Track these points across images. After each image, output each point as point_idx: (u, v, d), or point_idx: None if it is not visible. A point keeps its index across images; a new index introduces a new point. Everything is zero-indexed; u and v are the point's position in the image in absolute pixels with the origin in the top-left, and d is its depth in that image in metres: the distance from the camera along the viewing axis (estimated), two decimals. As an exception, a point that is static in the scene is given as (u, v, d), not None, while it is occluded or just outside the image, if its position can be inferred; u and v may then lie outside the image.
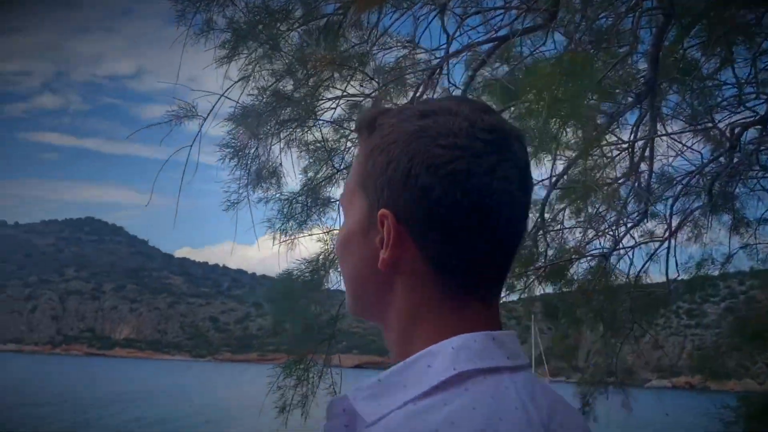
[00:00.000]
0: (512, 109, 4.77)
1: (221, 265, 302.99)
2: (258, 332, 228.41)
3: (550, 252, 5.30)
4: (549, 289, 5.85)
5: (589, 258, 5.69)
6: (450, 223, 0.66)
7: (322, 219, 4.71)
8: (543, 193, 5.11)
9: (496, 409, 0.62)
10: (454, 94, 4.44)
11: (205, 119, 3.71)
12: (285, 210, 4.33)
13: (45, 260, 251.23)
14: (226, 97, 3.76)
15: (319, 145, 4.42)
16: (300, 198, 4.60)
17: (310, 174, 4.87)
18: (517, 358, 0.68)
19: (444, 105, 0.70)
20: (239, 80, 3.88)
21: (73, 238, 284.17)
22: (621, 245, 5.40)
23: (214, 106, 3.72)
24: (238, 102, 3.92)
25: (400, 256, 0.69)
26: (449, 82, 5.15)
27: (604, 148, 5.40)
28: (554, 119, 3.46)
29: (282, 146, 4.39)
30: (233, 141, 3.97)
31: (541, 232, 5.10)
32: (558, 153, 4.77)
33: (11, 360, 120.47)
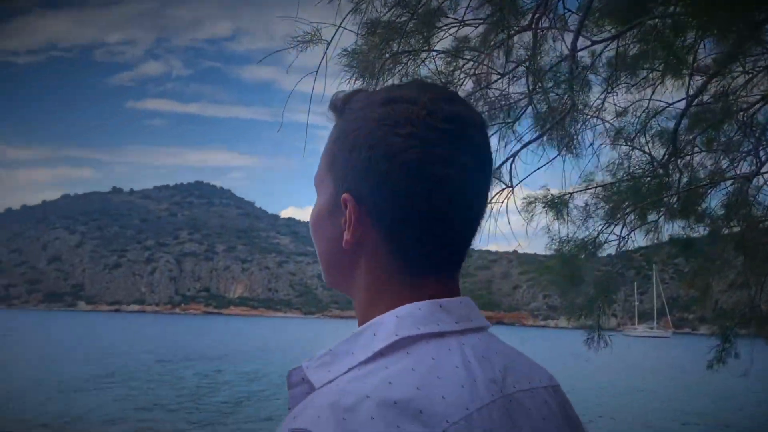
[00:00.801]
0: (635, 31, 4.56)
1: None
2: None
3: (683, 180, 5.08)
4: (677, 229, 5.65)
5: (724, 187, 5.42)
6: (405, 208, 0.72)
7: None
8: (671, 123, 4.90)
9: (434, 369, 0.66)
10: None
11: (328, 44, 3.76)
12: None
13: (160, 224, 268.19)
14: (344, 28, 3.81)
15: (434, 78, 4.43)
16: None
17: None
18: (467, 321, 0.74)
19: (407, 93, 0.75)
20: (352, 11, 3.91)
21: (185, 203, 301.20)
22: (764, 170, 5.08)
23: (333, 36, 3.77)
24: (357, 33, 3.97)
25: (362, 236, 0.75)
26: (564, 7, 4.98)
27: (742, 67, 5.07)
28: (692, 31, 3.29)
29: (396, 81, 4.43)
30: (349, 76, 4.03)
31: (673, 159, 4.90)
32: (692, 72, 4.53)
33: (136, 320, 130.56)
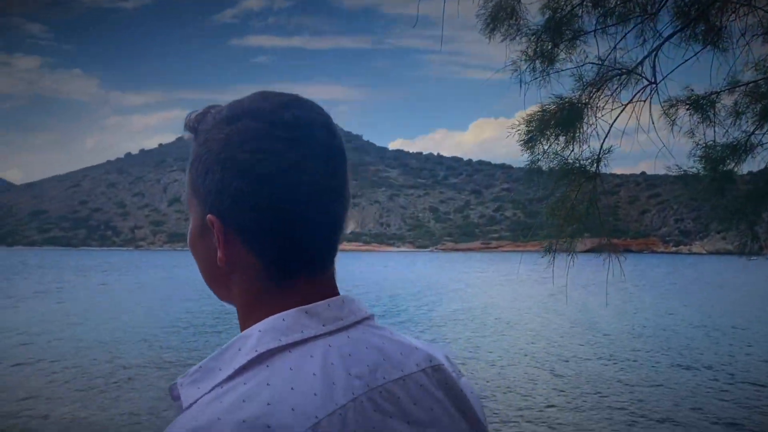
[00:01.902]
0: None
1: (436, 153, 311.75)
2: (479, 220, 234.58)
3: None
4: None
5: None
6: (264, 221, 0.77)
7: (571, 57, 4.59)
8: None
9: (290, 380, 0.71)
10: None
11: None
12: (531, 48, 4.27)
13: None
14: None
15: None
16: (544, 35, 4.50)
17: (551, 9, 4.72)
18: (336, 321, 0.79)
19: (248, 106, 0.80)
20: None
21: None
22: None
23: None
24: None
25: (233, 253, 0.80)
26: None
27: None
28: None
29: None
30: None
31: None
32: None
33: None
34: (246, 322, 0.81)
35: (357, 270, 76.43)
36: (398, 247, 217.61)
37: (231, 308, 0.80)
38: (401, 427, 0.78)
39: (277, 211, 0.77)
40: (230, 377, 0.73)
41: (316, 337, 0.77)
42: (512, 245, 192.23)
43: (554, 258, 4.94)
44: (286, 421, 0.68)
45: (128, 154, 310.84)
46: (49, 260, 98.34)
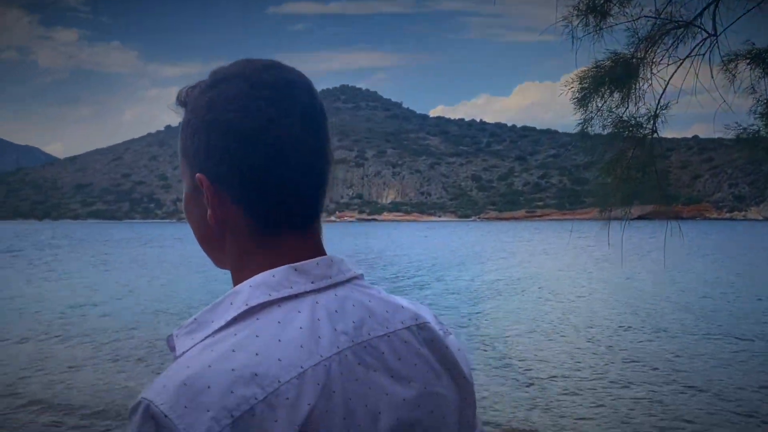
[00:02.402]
0: None
1: (478, 120, 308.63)
2: (524, 188, 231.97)
3: None
4: None
5: None
6: (249, 175, 0.82)
7: (626, 11, 4.38)
8: None
9: (278, 333, 0.77)
10: None
11: None
12: (583, 2, 4.07)
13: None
14: None
15: None
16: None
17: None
18: (325, 279, 0.84)
19: (230, 71, 0.86)
20: None
21: (331, 108, 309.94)
22: None
23: None
24: None
25: (223, 211, 0.84)
26: None
27: None
28: None
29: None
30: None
31: None
32: None
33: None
34: (238, 279, 0.85)
35: (397, 239, 76.53)
36: (439, 216, 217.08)
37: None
38: (384, 380, 0.82)
39: (259, 164, 0.81)
40: (222, 328, 0.78)
41: (304, 294, 0.82)
42: (558, 214, 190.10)
43: (609, 224, 4.78)
44: (272, 370, 0.73)
45: (168, 127, 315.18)
46: (94, 233, 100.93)
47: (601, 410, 9.54)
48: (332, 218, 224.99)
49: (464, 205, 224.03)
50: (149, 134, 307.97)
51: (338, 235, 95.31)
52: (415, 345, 0.87)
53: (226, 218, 0.85)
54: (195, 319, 0.82)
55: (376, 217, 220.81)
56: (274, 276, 0.82)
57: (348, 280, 0.87)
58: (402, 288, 26.01)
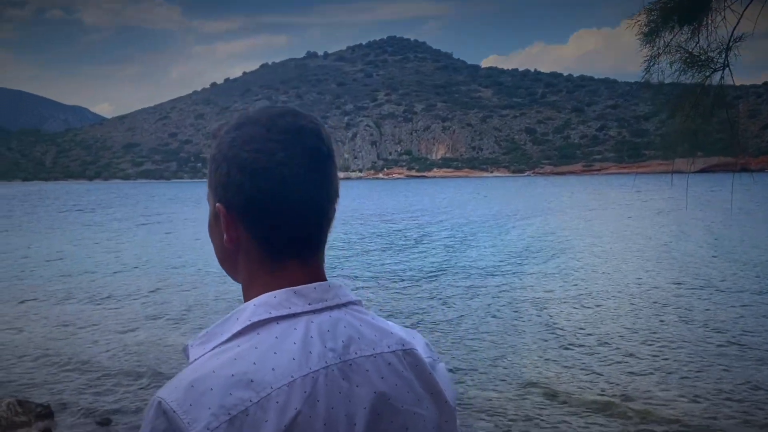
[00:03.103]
0: None
1: (532, 70, 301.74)
2: (581, 141, 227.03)
3: None
4: None
5: None
6: (259, 208, 0.97)
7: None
8: None
9: (274, 346, 0.91)
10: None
11: None
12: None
13: (357, 87, 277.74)
14: None
15: None
16: None
17: None
18: (321, 302, 0.98)
19: (252, 116, 1.02)
20: None
21: (378, 61, 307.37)
22: None
23: None
24: None
25: (236, 236, 1.00)
26: None
27: None
28: None
29: None
30: None
31: None
32: None
33: (350, 188, 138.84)
34: (247, 296, 1.01)
35: (447, 196, 76.15)
36: (492, 172, 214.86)
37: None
38: (367, 395, 0.95)
39: (268, 197, 0.97)
40: (228, 340, 0.93)
41: (301, 314, 0.96)
42: (617, 167, 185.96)
43: (672, 177, 4.53)
44: (266, 378, 0.88)
45: (213, 84, 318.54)
46: (145, 193, 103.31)
47: (658, 372, 9.32)
48: (380, 175, 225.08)
49: (518, 160, 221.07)
50: (195, 92, 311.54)
51: (387, 193, 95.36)
52: (399, 367, 0.99)
53: (239, 242, 1.00)
54: (207, 332, 0.97)
55: (425, 174, 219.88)
56: (275, 297, 0.96)
57: (345, 305, 1.00)
58: (452, 246, 25.89)
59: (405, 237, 30.37)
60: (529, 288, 16.27)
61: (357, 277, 18.41)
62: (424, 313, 13.67)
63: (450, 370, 9.61)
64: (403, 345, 1.02)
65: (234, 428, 0.85)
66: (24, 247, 26.96)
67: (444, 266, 20.48)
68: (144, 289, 16.92)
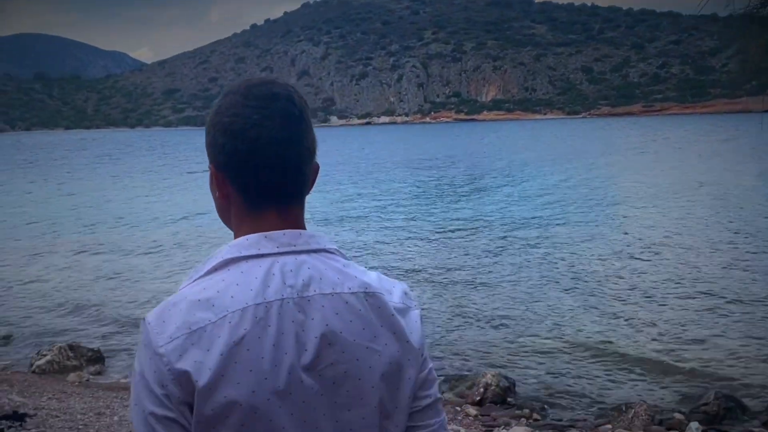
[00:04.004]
0: None
1: (589, 4, 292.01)
2: (641, 80, 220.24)
3: None
4: None
5: None
6: (239, 164, 1.18)
7: None
8: None
9: (237, 278, 1.14)
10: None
11: None
12: None
13: (403, 25, 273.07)
14: None
15: None
16: None
17: None
18: (289, 246, 1.18)
19: (233, 87, 1.24)
20: None
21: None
22: None
23: None
24: None
25: (227, 192, 1.22)
26: None
27: None
28: None
29: None
30: None
31: None
32: None
33: (387, 132, 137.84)
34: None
35: (497, 140, 75.21)
36: (545, 114, 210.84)
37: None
38: (320, 326, 1.13)
39: (244, 154, 1.17)
40: (205, 274, 1.17)
41: (268, 255, 1.16)
42: (679, 107, 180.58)
43: (762, 118, 4.39)
44: (225, 303, 1.11)
45: (254, 26, 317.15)
46: (188, 140, 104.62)
47: (716, 328, 9.25)
48: (427, 119, 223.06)
49: (573, 101, 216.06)
50: (234, 35, 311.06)
51: (433, 136, 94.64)
52: (357, 307, 1.17)
53: (230, 197, 1.22)
54: (196, 270, 1.20)
55: (475, 116, 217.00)
56: (247, 240, 1.18)
57: (315, 251, 1.20)
58: (517, 199, 25.74)
59: (453, 184, 30.28)
60: (582, 239, 16.15)
61: (400, 227, 18.51)
62: (478, 262, 13.72)
63: (503, 318, 9.69)
64: (366, 288, 1.19)
65: (192, 339, 1.08)
66: (92, 194, 27.82)
67: (494, 216, 20.46)
68: (192, 240, 17.36)
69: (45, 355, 8.34)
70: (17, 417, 6.05)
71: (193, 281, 1.17)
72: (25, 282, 12.94)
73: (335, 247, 1.23)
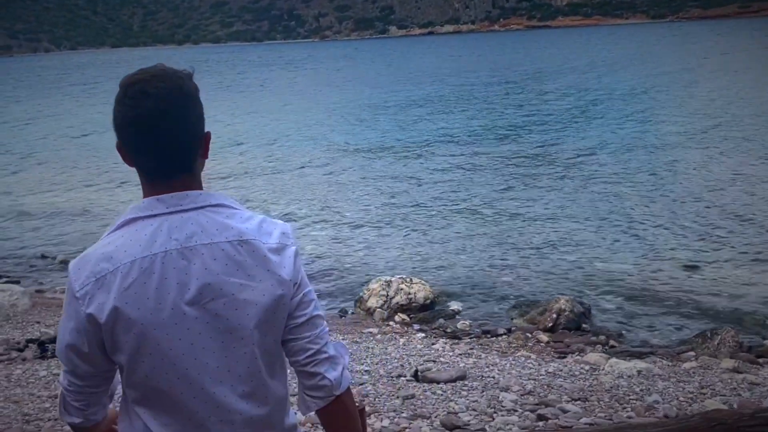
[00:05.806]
0: None
1: None
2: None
3: None
4: None
5: None
6: (128, 148, 1.54)
7: None
8: None
9: (131, 235, 1.50)
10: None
11: None
12: None
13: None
14: None
15: None
16: None
17: None
18: (177, 206, 1.51)
19: (122, 82, 1.54)
20: None
21: None
22: None
23: None
24: None
25: (131, 164, 1.57)
26: None
27: None
28: None
29: None
30: None
31: None
32: None
33: (449, 43, 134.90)
34: None
35: (575, 50, 72.92)
36: (627, 18, 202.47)
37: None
38: (200, 270, 1.49)
39: (130, 141, 1.52)
40: (112, 231, 1.54)
41: (160, 215, 1.51)
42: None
43: None
44: (119, 256, 1.48)
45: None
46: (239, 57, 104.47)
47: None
48: (495, 27, 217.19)
49: (658, 3, 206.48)
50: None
51: (501, 47, 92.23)
52: (231, 253, 1.51)
53: (134, 167, 1.57)
54: (110, 226, 1.57)
55: (548, 23, 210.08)
56: (143, 203, 1.53)
57: (201, 208, 1.53)
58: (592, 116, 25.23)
59: (518, 106, 29.79)
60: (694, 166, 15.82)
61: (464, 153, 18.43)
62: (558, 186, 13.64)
63: (577, 245, 9.61)
64: (241, 236, 1.53)
65: (98, 285, 1.47)
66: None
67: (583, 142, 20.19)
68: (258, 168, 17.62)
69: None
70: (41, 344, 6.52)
71: (106, 236, 1.53)
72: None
73: (223, 201, 1.56)
